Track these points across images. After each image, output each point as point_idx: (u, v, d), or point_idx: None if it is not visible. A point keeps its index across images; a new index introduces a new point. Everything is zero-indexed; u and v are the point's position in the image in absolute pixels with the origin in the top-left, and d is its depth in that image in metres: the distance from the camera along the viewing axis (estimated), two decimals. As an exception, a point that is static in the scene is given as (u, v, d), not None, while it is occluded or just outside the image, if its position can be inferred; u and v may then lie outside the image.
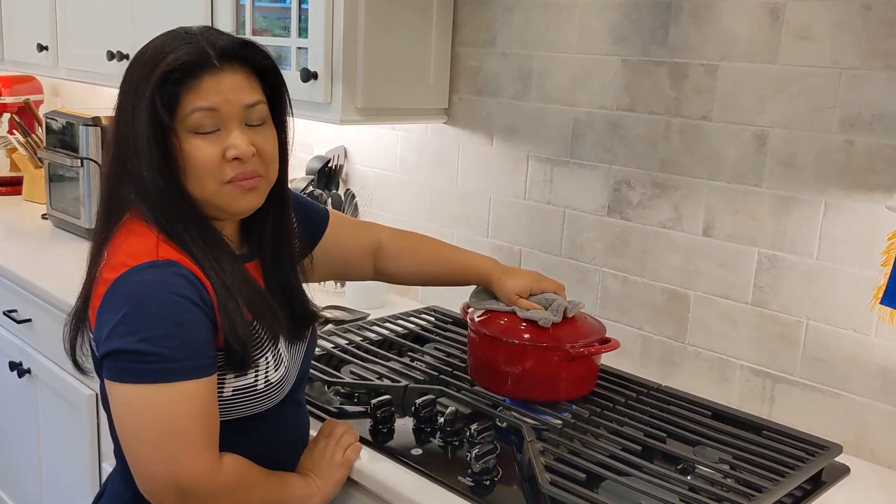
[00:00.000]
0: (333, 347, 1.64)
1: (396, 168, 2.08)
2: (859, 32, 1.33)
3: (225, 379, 1.14)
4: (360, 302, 1.99)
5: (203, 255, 1.11)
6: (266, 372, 1.17)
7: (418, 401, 1.38)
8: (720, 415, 1.45)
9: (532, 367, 1.39)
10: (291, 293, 1.27)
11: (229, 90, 1.10)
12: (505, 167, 1.85)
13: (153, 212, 1.11)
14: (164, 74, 1.08)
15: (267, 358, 1.17)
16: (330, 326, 1.80)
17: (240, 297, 1.13)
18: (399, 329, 1.78)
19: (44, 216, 2.71)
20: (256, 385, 1.17)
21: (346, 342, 1.67)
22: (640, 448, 1.29)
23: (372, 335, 1.73)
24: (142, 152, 1.09)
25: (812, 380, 1.44)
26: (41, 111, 3.14)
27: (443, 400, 1.45)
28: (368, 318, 1.86)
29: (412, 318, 1.85)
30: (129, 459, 1.09)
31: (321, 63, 1.71)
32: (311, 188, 2.04)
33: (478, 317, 1.47)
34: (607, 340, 1.43)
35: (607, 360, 1.66)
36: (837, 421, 1.41)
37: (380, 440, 1.34)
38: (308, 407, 1.40)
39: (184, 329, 1.07)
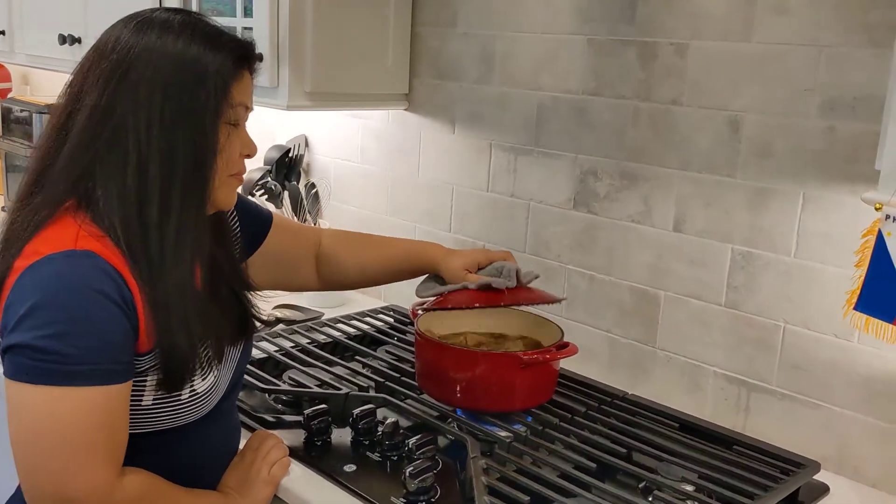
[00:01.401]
0: (277, 351, 1.52)
1: (357, 158, 1.96)
2: (840, 4, 1.20)
3: (145, 386, 1.03)
4: (317, 300, 1.87)
5: (160, 258, 1.01)
6: (192, 382, 1.06)
7: (356, 411, 1.26)
8: (689, 427, 1.32)
9: (481, 375, 1.27)
10: (232, 298, 1.16)
11: (252, 90, 1.11)
12: (467, 156, 1.73)
13: (136, 204, 1.00)
14: (234, 62, 1.04)
15: None
16: (280, 327, 1.68)
17: (190, 309, 1.03)
18: (352, 331, 1.66)
19: (2, 209, 2.59)
20: (181, 395, 1.05)
21: (292, 345, 1.55)
22: (594, 466, 1.16)
23: (321, 337, 1.61)
24: (192, 133, 1.01)
25: (790, 389, 1.32)
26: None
27: (386, 410, 1.33)
28: (322, 318, 1.74)
29: (369, 319, 1.73)
30: (18, 468, 0.98)
31: (266, 44, 1.59)
32: (267, 179, 1.92)
33: (426, 307, 1.35)
34: (564, 345, 1.30)
35: (573, 365, 1.54)
36: (817, 434, 1.29)
37: (313, 454, 1.22)
38: (242, 416, 1.29)
39: (96, 328, 0.95)
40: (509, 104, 1.63)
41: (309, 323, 1.67)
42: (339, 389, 1.36)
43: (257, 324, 1.21)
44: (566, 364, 1.38)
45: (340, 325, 1.67)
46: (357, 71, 1.71)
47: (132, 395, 1.03)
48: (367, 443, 1.25)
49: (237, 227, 1.25)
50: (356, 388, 1.38)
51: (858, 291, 0.97)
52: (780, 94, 1.27)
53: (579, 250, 1.56)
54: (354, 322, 1.70)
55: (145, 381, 1.03)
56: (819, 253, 1.26)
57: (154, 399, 1.04)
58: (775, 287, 1.31)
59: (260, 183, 1.90)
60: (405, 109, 1.83)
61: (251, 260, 1.28)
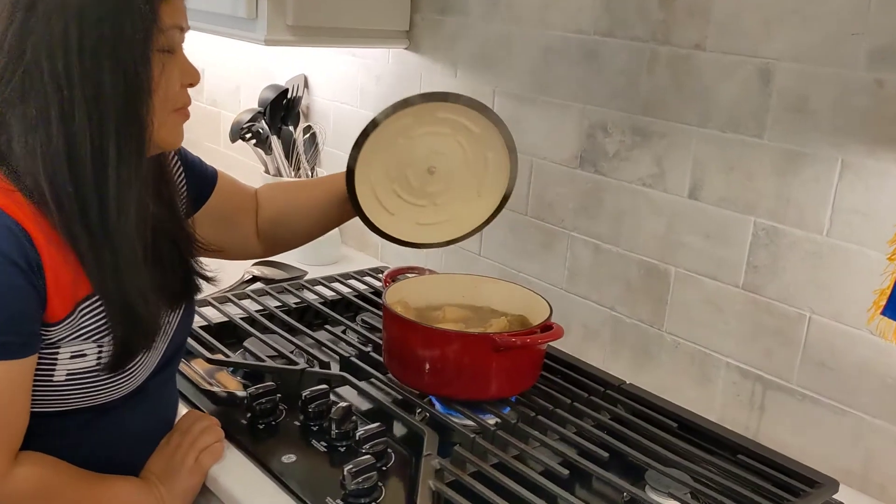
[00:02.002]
0: (239, 315, 1.38)
1: (357, 102, 1.79)
2: (901, -70, 0.97)
3: (56, 360, 0.90)
4: (308, 256, 1.72)
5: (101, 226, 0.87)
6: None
7: (306, 392, 1.11)
8: (689, 427, 1.14)
9: (449, 358, 1.11)
10: (175, 257, 1.02)
11: (184, 6, 0.94)
12: (468, 104, 1.53)
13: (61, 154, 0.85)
14: None
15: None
16: (257, 286, 1.54)
17: (144, 272, 0.91)
18: (332, 294, 1.50)
19: None
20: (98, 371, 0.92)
21: (259, 308, 1.41)
22: (567, 473, 0.99)
23: (294, 300, 1.46)
24: (116, 65, 0.85)
25: (812, 389, 1.12)
26: None
27: (343, 391, 1.18)
28: (304, 278, 1.60)
29: (353, 281, 1.58)
30: None
31: (241, -31, 1.42)
32: (258, 122, 1.76)
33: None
34: (548, 327, 1.13)
35: (569, 344, 1.37)
36: (840, 444, 1.10)
37: (254, 439, 1.08)
38: (185, 389, 1.16)
39: None
40: (514, 45, 1.44)
41: (285, 284, 1.52)
42: (296, 364, 1.21)
43: (203, 283, 1.07)
44: (561, 343, 1.21)
45: (319, 288, 1.52)
46: (348, 3, 1.52)
47: (40, 371, 0.89)
48: (315, 429, 1.10)
49: (182, 182, 1.10)
50: (317, 364, 1.23)
51: (889, 292, 0.77)
52: (821, 38, 1.05)
53: (584, 215, 1.37)
54: (336, 284, 1.54)
55: (57, 354, 0.89)
56: (857, 232, 1.06)
57: (68, 375, 0.91)
58: (802, 270, 1.11)
59: (247, 125, 1.74)
60: (406, 48, 1.64)
61: (192, 221, 1.12)
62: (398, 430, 1.12)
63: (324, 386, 1.13)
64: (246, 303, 1.42)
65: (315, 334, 1.32)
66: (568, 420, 1.12)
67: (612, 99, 1.30)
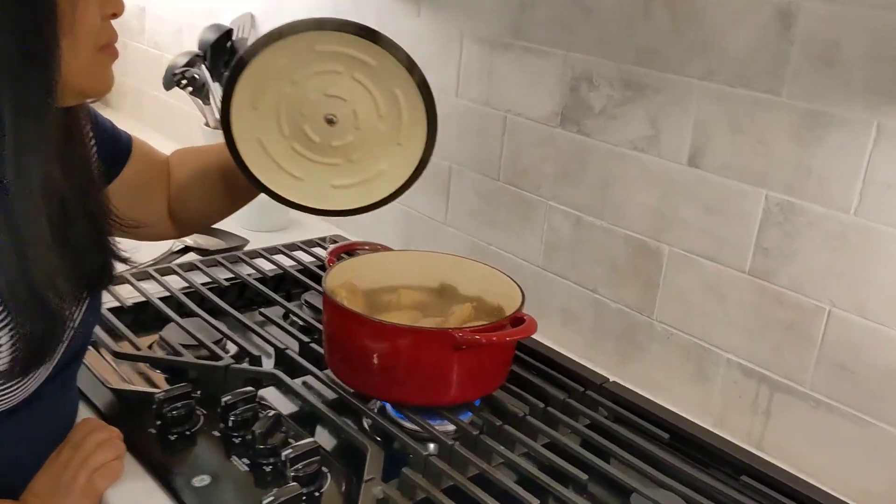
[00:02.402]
0: (160, 294, 1.18)
1: (309, 46, 1.57)
2: None
3: None
4: (252, 221, 1.52)
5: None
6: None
7: (226, 397, 0.93)
8: (684, 439, 0.97)
9: (399, 357, 0.92)
10: (88, 237, 0.83)
11: None
12: (433, 49, 1.33)
13: None
14: None
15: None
16: (188, 257, 1.34)
17: (53, 255, 0.74)
18: (271, 268, 1.31)
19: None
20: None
21: (184, 286, 1.21)
22: None
23: (226, 276, 1.26)
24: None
25: (829, 395, 0.95)
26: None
27: (276, 393, 1.00)
28: (245, 248, 1.40)
29: (300, 252, 1.38)
30: None
31: None
32: (196, 67, 1.54)
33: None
34: (520, 320, 0.94)
35: (546, 331, 1.18)
36: (860, 460, 0.93)
37: (163, 454, 0.90)
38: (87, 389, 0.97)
39: None
40: (486, -19, 1.23)
41: (219, 256, 1.32)
42: (220, 359, 1.02)
43: (121, 266, 0.89)
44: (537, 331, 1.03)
45: (259, 261, 1.33)
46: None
47: None
48: (237, 441, 0.92)
49: (94, 148, 0.91)
50: (246, 358, 1.04)
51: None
52: (858, -27, 0.86)
53: (565, 182, 1.18)
54: (279, 257, 1.35)
55: None
56: (891, 211, 0.87)
57: None
58: (822, 254, 0.93)
59: (182, 71, 1.52)
60: (362, -16, 1.43)
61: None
62: (338, 443, 0.94)
63: (249, 389, 0.94)
64: (170, 279, 1.22)
65: (248, 319, 1.13)
66: (540, 430, 0.94)
67: (601, 45, 1.10)
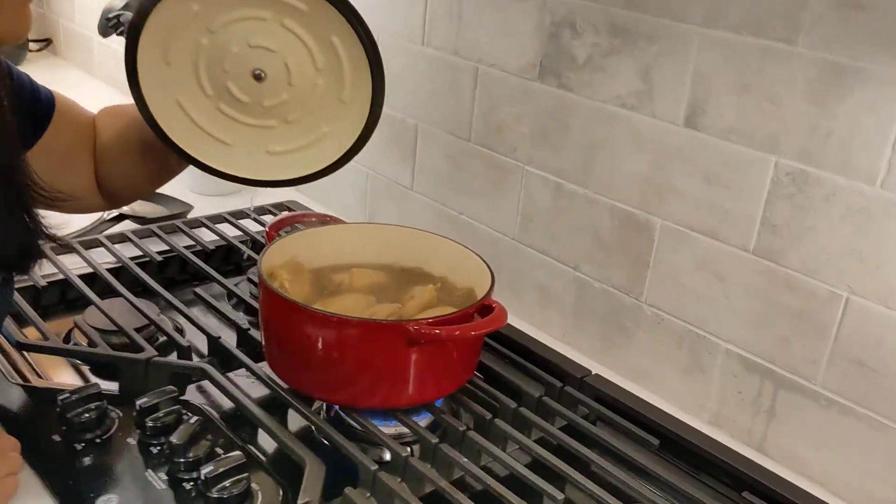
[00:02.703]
0: (81, 270, 1.04)
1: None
2: None
3: None
4: (199, 184, 1.38)
5: None
6: None
7: (142, 399, 0.79)
8: (676, 445, 0.85)
9: (347, 354, 0.79)
10: (7, 209, 0.69)
11: None
12: (397, -8, 1.17)
13: None
14: None
15: None
16: (122, 227, 1.20)
17: None
18: (216, 239, 1.17)
19: None
20: None
21: (110, 261, 1.07)
22: (502, 532, 0.69)
23: (160, 249, 1.11)
24: None
25: (843, 394, 0.82)
26: None
27: (204, 394, 0.86)
28: (188, 215, 1.25)
29: (249, 221, 1.24)
30: None
31: None
32: (125, 12, 1.37)
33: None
34: (488, 309, 0.81)
35: (519, 314, 1.06)
36: (879, 467, 0.81)
37: (67, 467, 0.76)
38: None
39: None
40: (456, -89, 1.07)
41: (155, 226, 1.17)
42: (141, 350, 0.88)
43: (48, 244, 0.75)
44: (511, 310, 0.89)
45: (202, 231, 1.18)
46: None
47: None
48: (155, 451, 0.78)
49: (10, 107, 0.76)
50: (174, 349, 0.90)
51: None
52: None
53: (544, 144, 1.04)
54: (225, 226, 1.20)
55: None
56: (926, 184, 0.74)
57: None
58: (841, 233, 0.80)
59: (117, 15, 1.35)
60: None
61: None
62: (273, 454, 0.81)
63: (171, 388, 0.81)
64: (96, 253, 1.08)
65: (181, 301, 0.98)
66: (510, 436, 0.81)
67: (585, -14, 0.95)
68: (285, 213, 0.98)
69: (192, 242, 1.14)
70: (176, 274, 1.10)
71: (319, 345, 0.79)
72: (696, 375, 0.94)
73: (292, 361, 0.82)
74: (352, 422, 0.82)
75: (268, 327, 0.83)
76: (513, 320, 1.03)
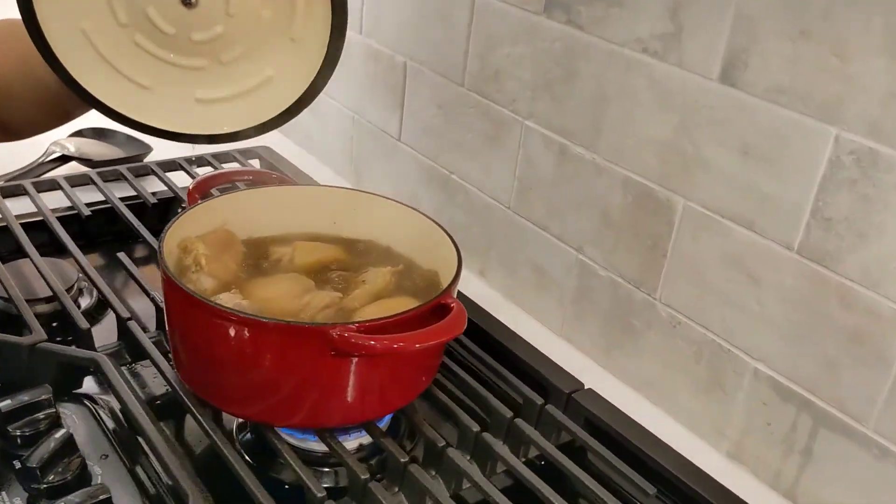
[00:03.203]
0: (-4, 225, 0.88)
1: None
2: None
3: None
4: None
5: None
6: None
7: (3, 403, 0.64)
8: (682, 493, 0.66)
9: (257, 362, 0.62)
10: None
11: None
12: None
13: None
14: None
15: None
16: (60, 171, 1.04)
17: None
18: (163, 189, 1.00)
19: None
20: None
21: (27, 213, 0.91)
22: None
23: (92, 200, 0.95)
24: None
25: (904, 445, 0.63)
26: None
27: (97, 391, 0.71)
28: (144, 160, 1.09)
29: (209, 169, 1.07)
30: None
31: None
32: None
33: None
34: (444, 308, 0.62)
35: (504, 298, 0.88)
36: (944, 546, 0.62)
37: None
38: None
39: None
40: None
41: (94, 172, 1.00)
42: (25, 333, 0.72)
43: None
44: (500, 290, 0.73)
45: (150, 180, 1.01)
46: None
47: None
48: (18, 468, 0.63)
49: None
50: (70, 335, 0.74)
51: None
52: None
53: (547, 95, 0.84)
54: (179, 174, 1.03)
55: None
56: None
57: None
58: (918, 236, 0.59)
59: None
60: None
61: None
62: (158, 478, 0.65)
63: (43, 390, 0.65)
64: (14, 203, 0.92)
65: (96, 271, 0.82)
66: (464, 473, 0.64)
67: None
68: (210, 173, 0.81)
69: (133, 193, 0.97)
70: (98, 233, 0.94)
71: (220, 348, 0.62)
72: (715, 395, 0.75)
73: (193, 363, 0.66)
74: (275, 440, 0.66)
75: (168, 320, 0.67)
76: (504, 304, 0.86)
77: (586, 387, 0.75)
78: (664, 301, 0.78)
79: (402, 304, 0.69)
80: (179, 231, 0.70)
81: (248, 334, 0.60)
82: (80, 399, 0.69)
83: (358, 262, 0.75)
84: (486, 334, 0.80)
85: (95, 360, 0.69)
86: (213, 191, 0.77)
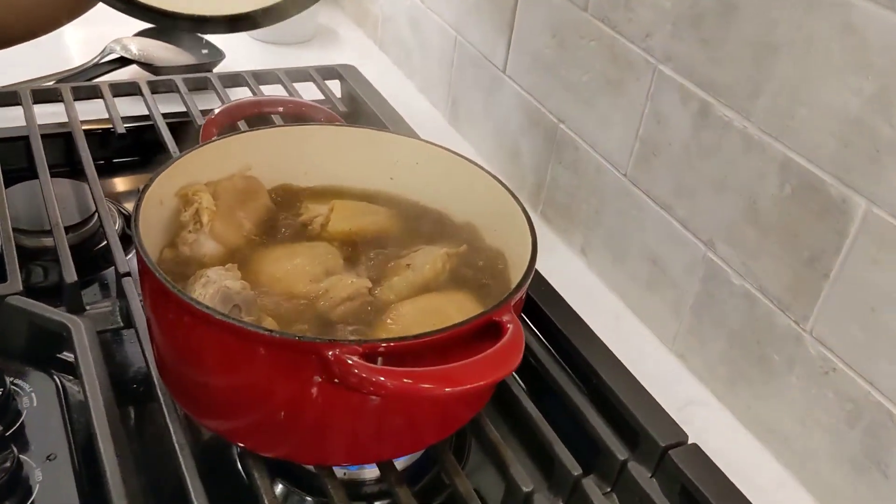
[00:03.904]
0: (15, 131, 0.76)
1: None
2: None
3: None
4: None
5: None
6: None
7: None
8: None
9: (242, 379, 0.46)
10: None
11: None
12: None
13: None
14: None
15: None
16: (116, 75, 0.90)
17: None
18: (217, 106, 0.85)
19: None
20: None
21: (54, 124, 0.78)
22: None
23: (134, 115, 0.81)
24: None
25: None
26: None
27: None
28: (215, 68, 0.94)
29: (308, 84, 0.90)
30: None
31: None
32: None
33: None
34: (496, 328, 0.44)
35: (622, 287, 0.69)
36: None
37: None
38: None
39: None
40: None
41: (160, 78, 0.86)
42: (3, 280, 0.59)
43: None
44: (601, 283, 0.55)
45: (205, 95, 0.86)
46: None
47: None
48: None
49: None
50: (57, 282, 0.61)
51: None
52: None
53: (692, 34, 0.62)
54: (243, 89, 0.88)
55: None
56: None
57: None
58: None
59: None
60: None
61: None
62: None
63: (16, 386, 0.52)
64: (45, 109, 0.78)
65: (115, 203, 0.68)
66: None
67: None
68: (237, 100, 0.64)
69: (184, 110, 0.82)
70: (139, 154, 0.80)
71: (185, 346, 0.46)
72: (870, 477, 0.54)
73: (162, 356, 0.51)
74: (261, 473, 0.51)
75: (150, 320, 0.52)
76: (606, 296, 0.67)
77: (690, 440, 0.55)
78: (816, 335, 0.56)
79: (452, 303, 0.52)
80: (179, 176, 0.54)
81: (218, 339, 0.44)
82: (51, 372, 0.56)
83: (407, 237, 0.58)
84: (555, 329, 0.61)
85: (65, 323, 0.55)
86: (241, 124, 0.61)
